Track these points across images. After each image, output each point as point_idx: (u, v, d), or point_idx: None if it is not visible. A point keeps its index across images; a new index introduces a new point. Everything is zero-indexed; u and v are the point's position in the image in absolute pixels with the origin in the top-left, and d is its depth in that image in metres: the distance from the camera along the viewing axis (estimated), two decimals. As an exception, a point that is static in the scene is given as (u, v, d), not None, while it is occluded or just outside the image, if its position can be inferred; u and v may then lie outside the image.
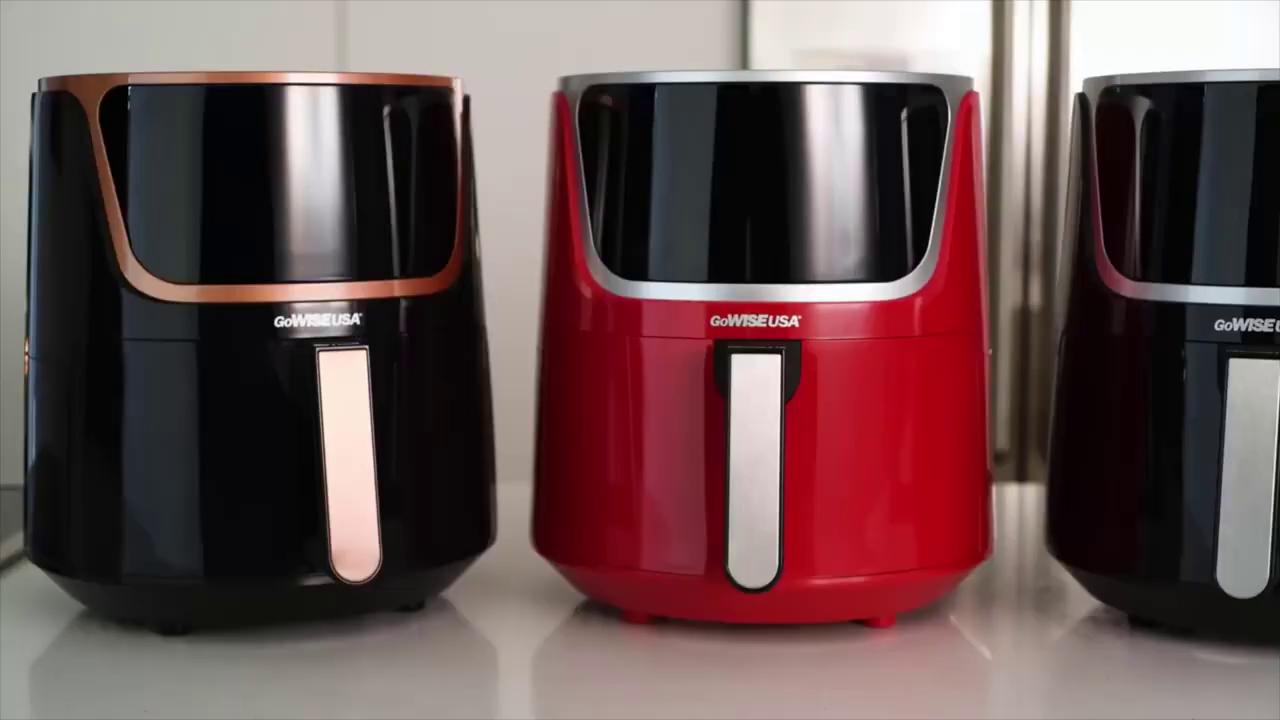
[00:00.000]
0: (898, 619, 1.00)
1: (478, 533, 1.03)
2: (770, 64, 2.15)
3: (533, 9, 2.24)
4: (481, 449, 1.03)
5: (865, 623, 0.99)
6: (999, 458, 2.15)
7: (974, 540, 1.00)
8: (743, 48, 2.18)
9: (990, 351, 1.03)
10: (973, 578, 1.09)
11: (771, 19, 2.17)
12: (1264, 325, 0.91)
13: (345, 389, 0.92)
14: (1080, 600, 1.04)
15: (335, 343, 0.93)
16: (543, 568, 1.04)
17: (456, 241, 1.00)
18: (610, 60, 2.11)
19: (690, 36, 2.20)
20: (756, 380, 0.91)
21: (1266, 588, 0.89)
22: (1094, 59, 2.14)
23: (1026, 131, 2.16)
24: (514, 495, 1.08)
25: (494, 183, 1.48)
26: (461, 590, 1.06)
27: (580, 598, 1.04)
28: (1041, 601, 1.07)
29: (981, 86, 2.20)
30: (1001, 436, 2.17)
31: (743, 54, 2.18)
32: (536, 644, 1.01)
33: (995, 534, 1.04)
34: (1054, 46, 2.16)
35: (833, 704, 0.89)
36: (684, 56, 2.17)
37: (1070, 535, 1.00)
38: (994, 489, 1.04)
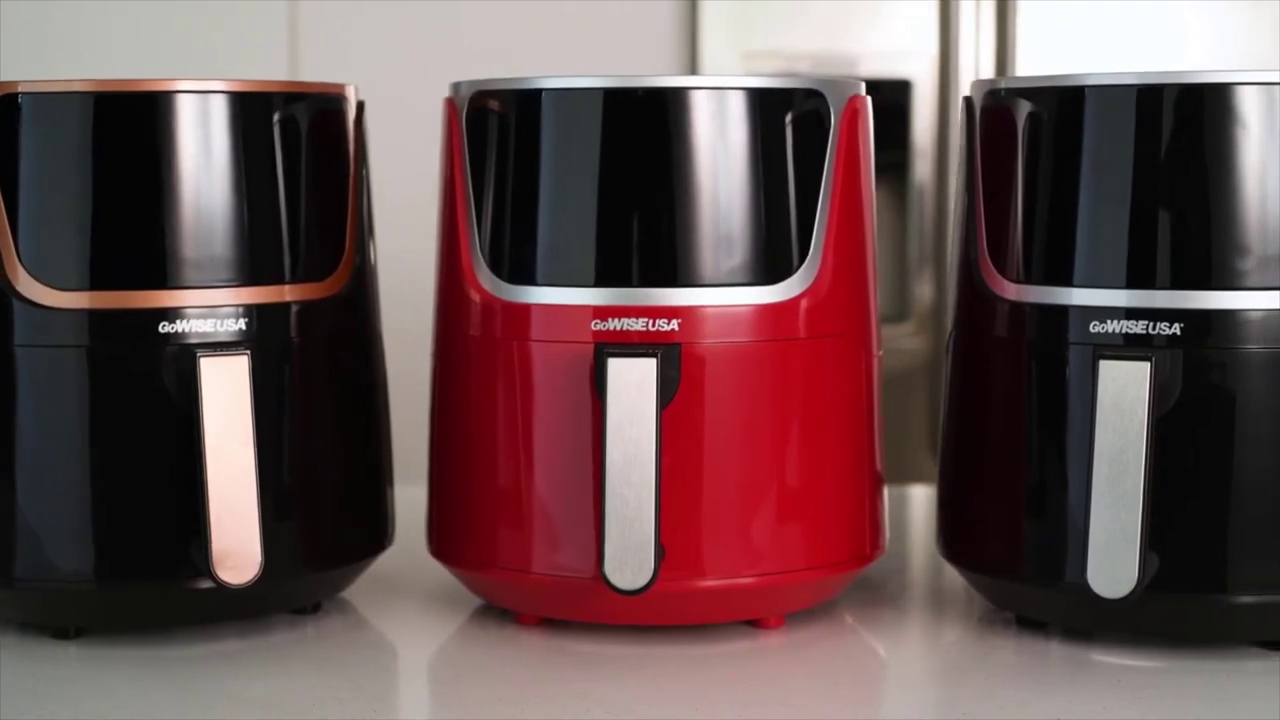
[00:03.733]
0: (789, 620, 1.01)
1: (373, 536, 1.03)
2: (719, 66, 2.15)
3: (485, 12, 2.24)
4: (376, 452, 1.04)
5: (755, 623, 1.00)
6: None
7: (862, 541, 1.01)
8: (691, 50, 2.19)
9: (881, 353, 1.03)
10: (871, 578, 1.10)
11: (720, 21, 2.18)
12: (1137, 327, 0.92)
13: (226, 394, 0.93)
14: (975, 600, 1.05)
15: (220, 348, 0.94)
16: (443, 570, 1.05)
17: (348, 246, 1.01)
18: (562, 63, 2.13)
19: (639, 39, 2.21)
20: (632, 383, 0.91)
21: (1135, 588, 0.89)
22: (1040, 59, 2.14)
23: (975, 132, 2.17)
24: (417, 498, 1.09)
25: (418, 188, 1.49)
26: (360, 592, 1.07)
27: (479, 599, 1.05)
28: (936, 602, 1.08)
29: (929, 87, 2.21)
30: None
31: (691, 56, 2.19)
32: (431, 646, 1.02)
33: (887, 534, 1.04)
34: (1001, 47, 2.17)
35: (716, 703, 0.90)
36: (633, 59, 2.18)
37: (958, 537, 1.01)
38: (886, 489, 1.04)
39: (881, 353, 1.03)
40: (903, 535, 1.27)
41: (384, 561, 1.08)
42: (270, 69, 2.25)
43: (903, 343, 2.16)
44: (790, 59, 2.16)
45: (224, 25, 2.28)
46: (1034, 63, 2.12)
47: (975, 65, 2.15)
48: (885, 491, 1.04)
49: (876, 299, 1.03)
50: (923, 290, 2.23)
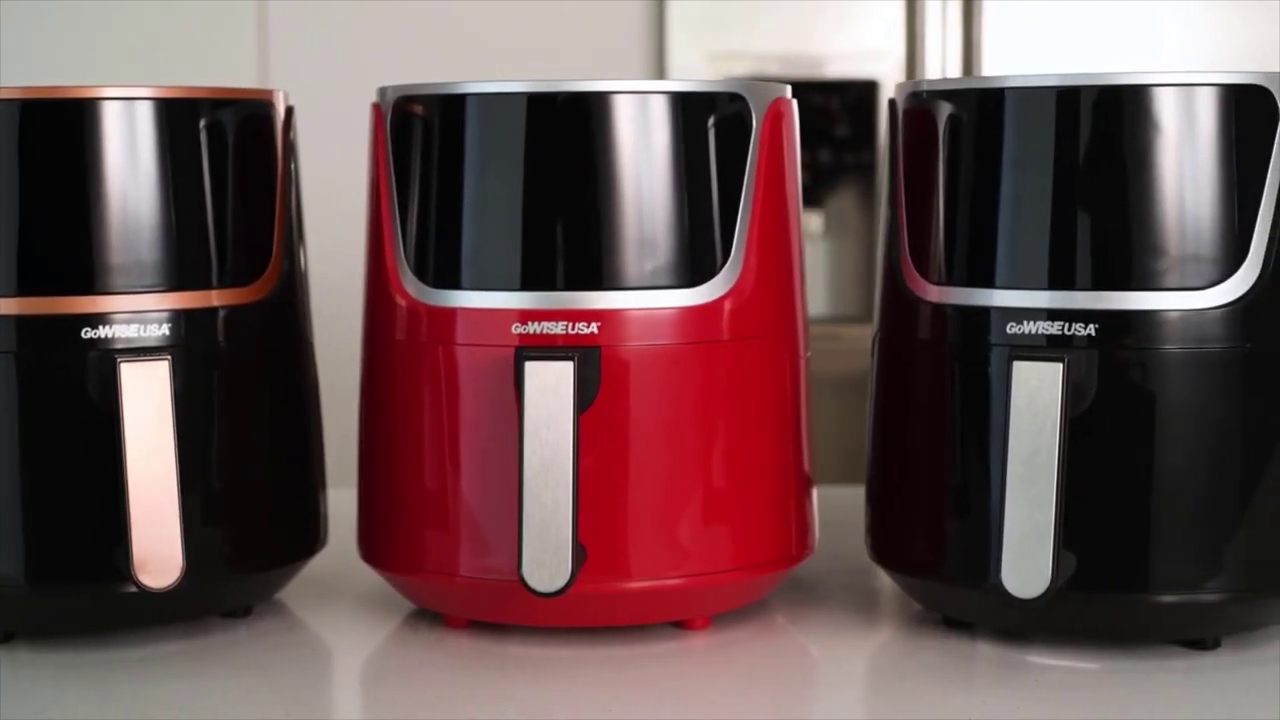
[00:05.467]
0: (718, 621, 1.01)
1: (304, 539, 1.04)
2: (686, 68, 2.16)
3: (450, 13, 2.25)
4: (307, 456, 1.04)
5: (682, 624, 1.00)
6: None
7: (788, 541, 1.01)
8: (659, 52, 2.20)
9: (809, 354, 1.03)
10: (805, 578, 1.10)
11: (687, 23, 2.18)
12: (1054, 328, 0.92)
13: (147, 399, 0.93)
14: (908, 601, 1.05)
15: (142, 353, 0.94)
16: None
17: (275, 251, 1.01)
18: (530, 66, 2.13)
19: (607, 41, 2.22)
20: (549, 386, 0.92)
21: (1049, 589, 0.90)
22: (1006, 59, 2.15)
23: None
24: (354, 501, 1.09)
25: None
26: (294, 595, 1.07)
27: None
28: (869, 603, 1.08)
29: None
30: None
31: (659, 58, 2.19)
32: (362, 648, 1.02)
33: (816, 535, 1.04)
34: (967, 47, 2.17)
35: (634, 703, 0.90)
36: (600, 62, 2.18)
37: (884, 537, 1.01)
38: (816, 490, 1.05)
39: (809, 354, 1.04)
40: (855, 536, 1.27)
41: (319, 564, 1.09)
42: (239, 73, 2.26)
43: (869, 343, 2.15)
44: (758, 60, 2.17)
45: (193, 30, 2.28)
46: (1000, 63, 2.13)
47: (942, 65, 2.16)
48: (814, 492, 1.04)
49: (804, 300, 1.03)
50: (892, 290, 2.23)
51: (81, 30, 2.31)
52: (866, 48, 2.18)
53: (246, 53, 2.28)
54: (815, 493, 1.05)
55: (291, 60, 2.26)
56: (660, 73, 2.16)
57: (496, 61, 2.17)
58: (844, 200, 2.22)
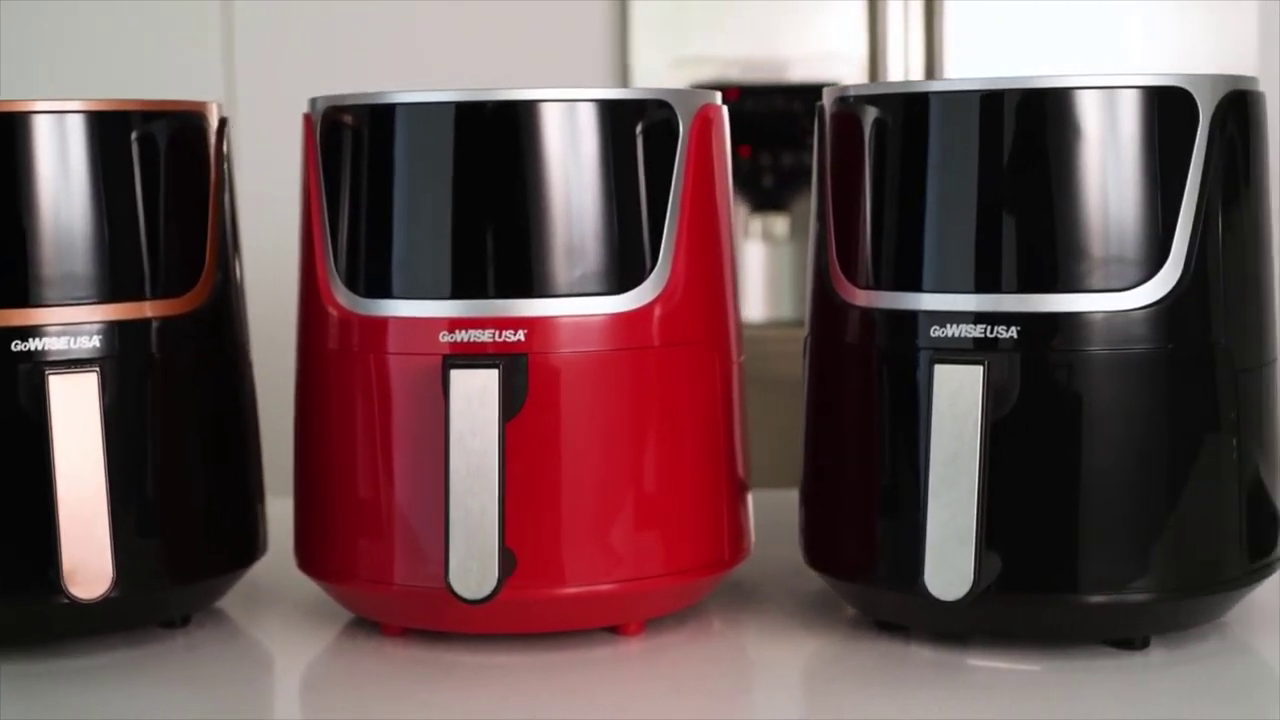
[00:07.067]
0: (653, 626, 1.02)
1: (241, 549, 1.04)
2: (649, 72, 2.16)
3: (414, 18, 2.25)
4: (244, 466, 1.05)
5: (617, 630, 1.01)
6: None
7: (721, 546, 1.01)
8: (622, 57, 2.20)
9: (742, 359, 1.04)
10: (744, 582, 1.10)
11: (650, 28, 2.19)
12: (976, 330, 0.93)
13: (75, 411, 0.93)
14: (843, 604, 1.06)
15: (71, 365, 0.95)
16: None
17: (208, 262, 1.01)
18: (494, 72, 2.14)
19: (570, 47, 2.22)
20: (474, 394, 0.92)
21: (971, 590, 0.90)
22: (968, 60, 2.15)
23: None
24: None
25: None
26: (235, 604, 1.08)
27: (351, 610, 1.06)
28: (806, 607, 1.08)
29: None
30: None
31: (622, 63, 2.20)
32: (299, 657, 1.02)
33: (751, 539, 1.05)
34: (929, 49, 2.17)
35: (567, 709, 0.91)
36: (563, 67, 2.19)
37: (817, 541, 1.02)
38: (751, 495, 1.05)
39: (743, 359, 1.04)
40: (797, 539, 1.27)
41: (259, 573, 1.09)
42: (204, 84, 2.26)
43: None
44: (721, 64, 2.16)
45: (157, 40, 2.29)
46: (963, 64, 2.13)
47: (905, 67, 2.16)
48: (749, 497, 1.05)
49: (736, 305, 1.03)
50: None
51: (45, 40, 2.31)
52: (829, 50, 2.18)
53: (211, 62, 2.28)
54: (750, 497, 1.05)
55: (257, 69, 2.27)
56: (623, 78, 2.17)
57: (458, 67, 2.17)
58: (809, 204, 2.22)
